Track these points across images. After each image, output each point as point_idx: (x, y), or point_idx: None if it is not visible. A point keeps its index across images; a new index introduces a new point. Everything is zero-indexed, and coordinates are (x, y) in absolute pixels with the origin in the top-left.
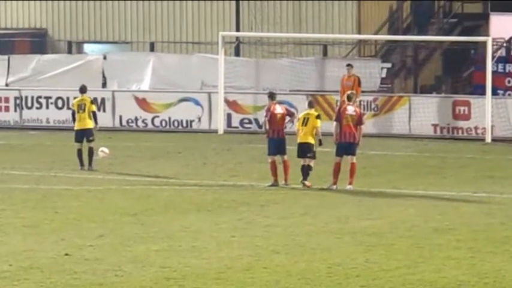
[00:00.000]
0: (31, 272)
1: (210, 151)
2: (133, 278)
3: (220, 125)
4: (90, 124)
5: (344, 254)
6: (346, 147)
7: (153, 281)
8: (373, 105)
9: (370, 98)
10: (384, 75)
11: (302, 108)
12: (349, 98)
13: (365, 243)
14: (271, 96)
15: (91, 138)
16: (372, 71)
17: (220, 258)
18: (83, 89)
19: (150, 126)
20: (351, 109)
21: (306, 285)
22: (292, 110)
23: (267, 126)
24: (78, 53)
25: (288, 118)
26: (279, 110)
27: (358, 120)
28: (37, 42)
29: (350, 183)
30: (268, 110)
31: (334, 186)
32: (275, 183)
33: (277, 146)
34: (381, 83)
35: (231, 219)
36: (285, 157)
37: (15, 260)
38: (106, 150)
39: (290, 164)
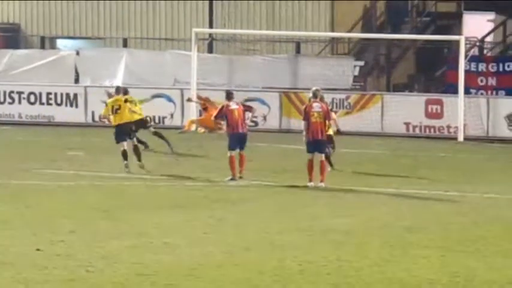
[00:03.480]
0: (2, 267)
1: (183, 148)
2: (105, 274)
3: (193, 125)
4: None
5: (315, 252)
6: (315, 144)
7: (124, 277)
8: (345, 103)
9: (343, 96)
10: (356, 73)
11: (275, 106)
12: (314, 95)
13: (336, 241)
14: (228, 96)
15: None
16: (345, 69)
17: (192, 255)
18: (118, 90)
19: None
20: (317, 106)
21: (277, 282)
22: (250, 104)
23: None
24: (51, 48)
25: (248, 114)
26: (233, 106)
27: (326, 116)
28: (10, 37)
29: (321, 181)
30: (222, 108)
31: (311, 184)
32: (234, 178)
33: (238, 140)
34: (354, 81)
35: (203, 216)
36: (243, 152)
37: None
38: None
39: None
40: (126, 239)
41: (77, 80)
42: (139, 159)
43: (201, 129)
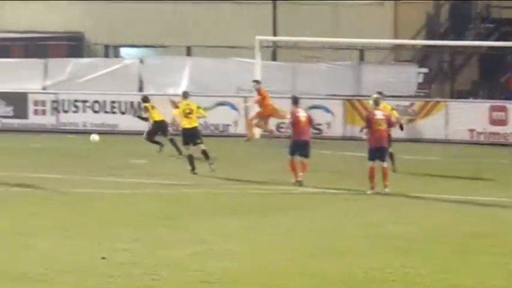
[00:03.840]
0: (67, 276)
1: (246, 155)
2: (169, 282)
3: (256, 130)
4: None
5: (380, 259)
6: (378, 152)
7: (188, 284)
8: (409, 110)
9: (407, 103)
10: (420, 80)
11: (339, 113)
12: (376, 103)
13: (401, 247)
14: (295, 101)
15: (199, 140)
16: (409, 76)
17: (255, 262)
18: (186, 94)
19: None
20: (379, 113)
21: None
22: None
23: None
24: (115, 57)
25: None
26: (301, 113)
27: (389, 123)
28: (74, 46)
29: (386, 186)
30: (292, 113)
31: (371, 191)
32: (296, 180)
33: (300, 147)
34: (418, 88)
35: (266, 222)
36: (306, 160)
37: (51, 264)
38: (97, 138)
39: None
40: (189, 246)
41: (140, 89)
42: (211, 163)
43: (256, 133)
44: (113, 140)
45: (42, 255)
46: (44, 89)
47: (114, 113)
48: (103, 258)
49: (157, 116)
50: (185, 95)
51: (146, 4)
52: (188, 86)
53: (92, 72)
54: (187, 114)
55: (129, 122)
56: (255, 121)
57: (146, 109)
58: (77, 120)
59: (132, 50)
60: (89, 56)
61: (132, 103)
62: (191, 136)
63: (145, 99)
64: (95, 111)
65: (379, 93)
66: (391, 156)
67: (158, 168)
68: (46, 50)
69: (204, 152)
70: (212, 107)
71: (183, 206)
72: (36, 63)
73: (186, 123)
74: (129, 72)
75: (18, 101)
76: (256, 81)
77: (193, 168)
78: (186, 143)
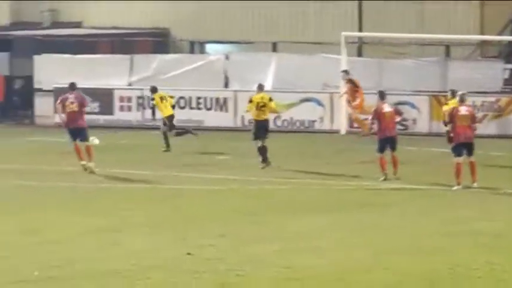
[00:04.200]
0: (153, 271)
1: (332, 151)
2: (254, 278)
3: (342, 126)
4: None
5: (465, 255)
6: (465, 147)
7: (274, 281)
8: (495, 106)
9: (493, 99)
10: (506, 76)
11: (425, 109)
12: (461, 99)
13: (487, 244)
14: (381, 95)
15: (266, 135)
16: (495, 72)
17: (340, 259)
18: (261, 87)
19: (272, 126)
20: (464, 109)
21: (427, 286)
22: (401, 110)
23: (374, 126)
24: (200, 53)
25: (397, 118)
26: (386, 108)
27: (473, 119)
28: (159, 42)
29: (474, 181)
30: (376, 109)
31: (456, 187)
32: (386, 177)
33: (387, 143)
34: (504, 84)
35: (353, 219)
36: (394, 153)
37: (138, 259)
38: (97, 141)
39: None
40: (275, 242)
41: (226, 85)
42: (265, 162)
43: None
44: (198, 136)
45: (129, 252)
46: (129, 85)
47: (199, 109)
48: (188, 254)
49: (166, 110)
50: (260, 87)
51: (232, 1)
52: (274, 82)
53: (177, 68)
54: (260, 107)
55: (214, 118)
56: (356, 115)
57: (153, 100)
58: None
59: (218, 46)
60: (175, 52)
61: (217, 99)
62: (262, 129)
63: (154, 89)
64: (181, 107)
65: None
66: None
67: (243, 164)
68: (132, 46)
69: (264, 148)
70: (297, 102)
71: (268, 202)
72: (122, 59)
73: (258, 116)
74: (214, 69)
75: (104, 97)
76: (345, 71)
77: (264, 160)
78: (256, 136)
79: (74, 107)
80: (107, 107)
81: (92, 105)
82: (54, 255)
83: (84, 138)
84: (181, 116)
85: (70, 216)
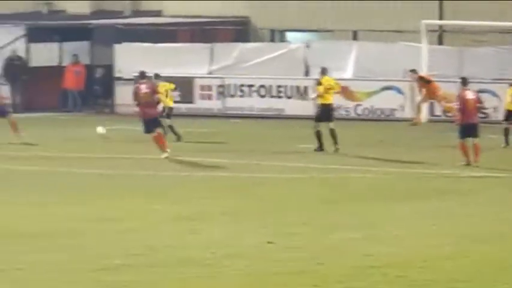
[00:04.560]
0: (233, 260)
1: (412, 139)
2: (335, 266)
3: (423, 114)
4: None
5: None
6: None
7: (355, 269)
8: None
9: None
10: None
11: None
12: (464, 83)
13: None
14: (464, 82)
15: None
16: None
17: (421, 246)
18: (324, 71)
19: (352, 114)
20: (470, 94)
21: (508, 274)
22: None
23: (457, 113)
24: (281, 42)
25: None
26: (470, 95)
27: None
28: (240, 30)
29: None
30: (459, 96)
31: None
32: (467, 163)
33: (469, 130)
34: None
35: (433, 207)
36: (476, 140)
37: (218, 248)
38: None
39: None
40: (355, 231)
41: (306, 73)
42: (337, 145)
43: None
44: (279, 125)
45: (209, 240)
46: (210, 73)
47: (280, 97)
48: (269, 242)
49: (168, 100)
50: (324, 71)
51: None
52: (354, 71)
53: (258, 56)
54: (327, 90)
55: (295, 107)
56: (423, 104)
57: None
58: (243, 105)
59: (298, 35)
60: (255, 41)
61: (298, 87)
62: (327, 112)
63: (157, 76)
64: (261, 96)
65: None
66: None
67: (324, 152)
68: (212, 35)
69: (333, 132)
70: (378, 91)
71: (349, 190)
72: (202, 48)
73: (325, 99)
74: (294, 57)
75: (184, 86)
76: (413, 71)
77: (320, 146)
78: (319, 119)
79: (148, 97)
80: (187, 96)
81: (173, 94)
82: (134, 243)
83: (159, 126)
84: (262, 105)
85: (149, 204)
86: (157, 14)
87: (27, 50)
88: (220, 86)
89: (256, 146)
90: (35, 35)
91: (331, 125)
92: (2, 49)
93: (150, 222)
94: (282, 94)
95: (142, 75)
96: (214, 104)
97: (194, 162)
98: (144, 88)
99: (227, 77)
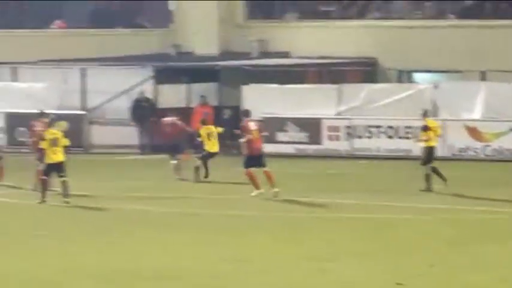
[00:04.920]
0: None
1: None
2: None
3: None
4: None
5: None
6: None
7: None
8: None
9: None
10: None
11: None
12: None
13: None
14: None
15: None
16: None
17: None
18: (426, 113)
19: (481, 155)
20: None
21: None
22: None
23: None
24: (409, 82)
25: None
26: None
27: None
28: (367, 71)
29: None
30: None
31: None
32: None
33: None
34: None
35: None
36: None
37: None
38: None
39: None
40: (486, 273)
41: (434, 114)
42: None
43: None
44: (406, 166)
45: (339, 281)
46: (337, 114)
47: (407, 138)
48: (398, 284)
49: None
50: (426, 113)
51: (439, 30)
52: (482, 111)
53: (385, 97)
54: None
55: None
56: None
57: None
58: (370, 146)
59: (426, 75)
60: (382, 81)
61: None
62: (431, 154)
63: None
64: (389, 137)
65: None
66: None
67: (454, 193)
68: (339, 76)
69: (436, 171)
70: (507, 131)
71: (478, 231)
72: (330, 88)
73: (430, 142)
74: (422, 98)
75: (312, 127)
76: None
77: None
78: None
79: (256, 134)
80: (315, 137)
81: (300, 135)
82: (266, 285)
83: (263, 164)
84: (390, 146)
85: (278, 245)
86: (285, 55)
87: (155, 92)
88: (348, 127)
89: (384, 187)
90: (163, 76)
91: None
92: (131, 91)
93: (280, 263)
94: (409, 135)
95: (247, 114)
96: (342, 145)
97: (322, 203)
98: (252, 126)
99: (355, 118)
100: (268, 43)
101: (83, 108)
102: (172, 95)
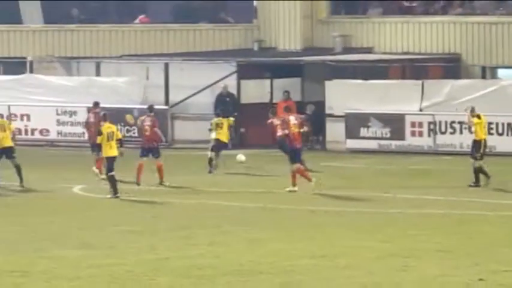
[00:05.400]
0: None
1: None
2: None
3: None
4: None
5: None
6: None
7: None
8: None
9: None
10: None
11: None
12: None
13: None
14: None
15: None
16: None
17: None
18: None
19: None
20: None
21: None
22: None
23: None
24: (492, 78)
25: None
26: None
27: None
28: (451, 67)
29: None
30: None
31: None
32: None
33: None
34: None
35: None
36: None
37: (429, 285)
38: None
39: None
40: None
41: None
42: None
43: None
44: (490, 162)
45: (421, 277)
46: (420, 110)
47: (491, 134)
48: (481, 279)
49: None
50: (473, 109)
51: None
52: None
53: (469, 93)
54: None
55: (507, 143)
56: None
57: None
58: (453, 142)
59: (510, 71)
60: (466, 78)
61: (509, 124)
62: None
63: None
64: (472, 133)
65: None
66: None
67: None
68: (423, 71)
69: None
70: None
71: None
72: (413, 84)
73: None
74: (506, 94)
75: (395, 123)
76: None
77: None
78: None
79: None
80: (398, 133)
81: (383, 131)
82: (348, 280)
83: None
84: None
85: (360, 241)
86: (369, 50)
87: (238, 87)
88: (431, 122)
89: (466, 183)
90: (246, 71)
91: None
92: (213, 86)
93: (362, 259)
94: (493, 131)
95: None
96: (425, 141)
97: (406, 199)
98: (293, 119)
99: (438, 114)
100: (351, 39)
101: (166, 103)
102: (255, 90)
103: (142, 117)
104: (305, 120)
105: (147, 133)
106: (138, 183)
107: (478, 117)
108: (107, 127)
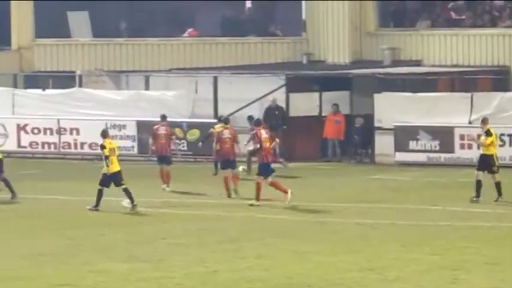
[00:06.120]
0: None
1: None
2: None
3: None
4: None
5: None
6: None
7: None
8: None
9: None
10: None
11: None
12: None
13: None
14: None
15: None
16: None
17: None
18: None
19: None
20: None
21: None
22: None
23: None
24: None
25: None
26: None
27: None
28: (500, 79)
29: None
30: None
31: None
32: None
33: None
34: None
35: None
36: None
37: None
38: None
39: None
40: None
41: None
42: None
43: None
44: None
45: None
46: (470, 123)
47: None
48: None
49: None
50: (485, 121)
51: None
52: None
53: None
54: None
55: None
56: None
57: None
58: (503, 155)
59: None
60: None
61: None
62: (487, 162)
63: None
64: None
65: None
66: None
67: None
68: (472, 84)
69: (497, 184)
70: None
71: None
72: (462, 97)
73: (487, 150)
74: None
75: (444, 135)
76: None
77: (478, 195)
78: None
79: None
80: (447, 145)
81: (432, 143)
82: None
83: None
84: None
85: (409, 254)
86: (417, 63)
87: (287, 100)
88: (480, 135)
89: None
90: (295, 84)
91: (496, 176)
92: (262, 99)
93: (411, 272)
94: None
95: (258, 122)
96: (474, 154)
97: (454, 211)
98: (264, 133)
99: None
100: (400, 51)
101: (215, 117)
102: (304, 103)
103: (219, 128)
104: (273, 136)
105: (227, 145)
106: (229, 195)
107: (489, 133)
108: (109, 143)
